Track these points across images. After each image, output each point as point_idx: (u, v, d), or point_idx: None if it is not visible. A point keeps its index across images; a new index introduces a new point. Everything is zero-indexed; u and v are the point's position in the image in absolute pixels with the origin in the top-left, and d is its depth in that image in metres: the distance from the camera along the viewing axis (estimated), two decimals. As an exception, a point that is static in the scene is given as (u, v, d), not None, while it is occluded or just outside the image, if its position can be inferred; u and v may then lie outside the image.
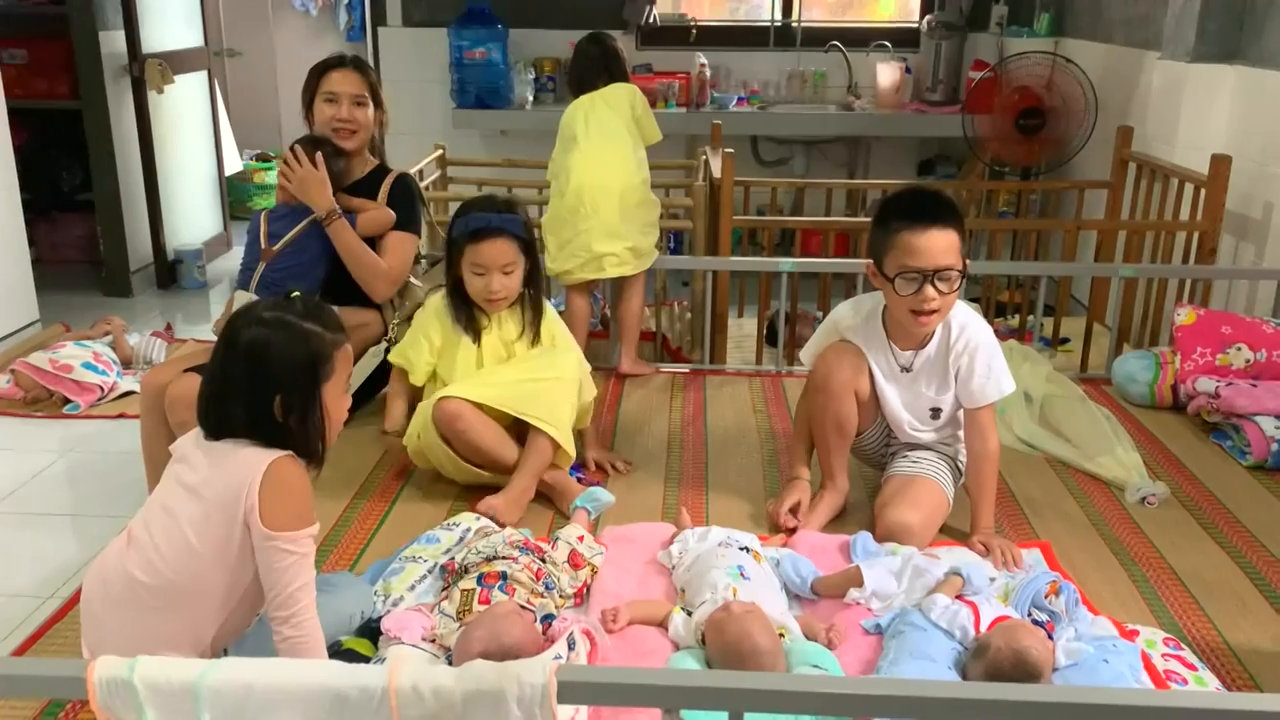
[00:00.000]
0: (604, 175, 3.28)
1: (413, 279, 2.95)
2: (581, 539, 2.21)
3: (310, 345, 1.69)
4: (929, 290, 2.23)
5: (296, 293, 1.79)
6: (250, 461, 1.64)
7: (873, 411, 2.48)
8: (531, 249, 2.56)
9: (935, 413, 2.44)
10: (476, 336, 2.59)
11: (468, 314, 2.58)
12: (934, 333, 2.37)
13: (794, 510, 2.47)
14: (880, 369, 2.43)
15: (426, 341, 2.60)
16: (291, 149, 2.79)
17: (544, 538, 2.27)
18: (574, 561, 2.13)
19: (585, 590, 2.13)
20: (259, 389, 1.66)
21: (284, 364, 1.67)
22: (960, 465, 2.49)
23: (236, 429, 1.68)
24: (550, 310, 2.69)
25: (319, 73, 2.84)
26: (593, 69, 3.41)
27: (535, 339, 2.62)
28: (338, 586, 1.93)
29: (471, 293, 2.54)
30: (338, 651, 1.84)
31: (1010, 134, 4.49)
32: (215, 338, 2.77)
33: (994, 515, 2.40)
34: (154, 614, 1.65)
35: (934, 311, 2.27)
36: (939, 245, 2.22)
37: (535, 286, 2.62)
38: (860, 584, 2.07)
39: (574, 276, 3.33)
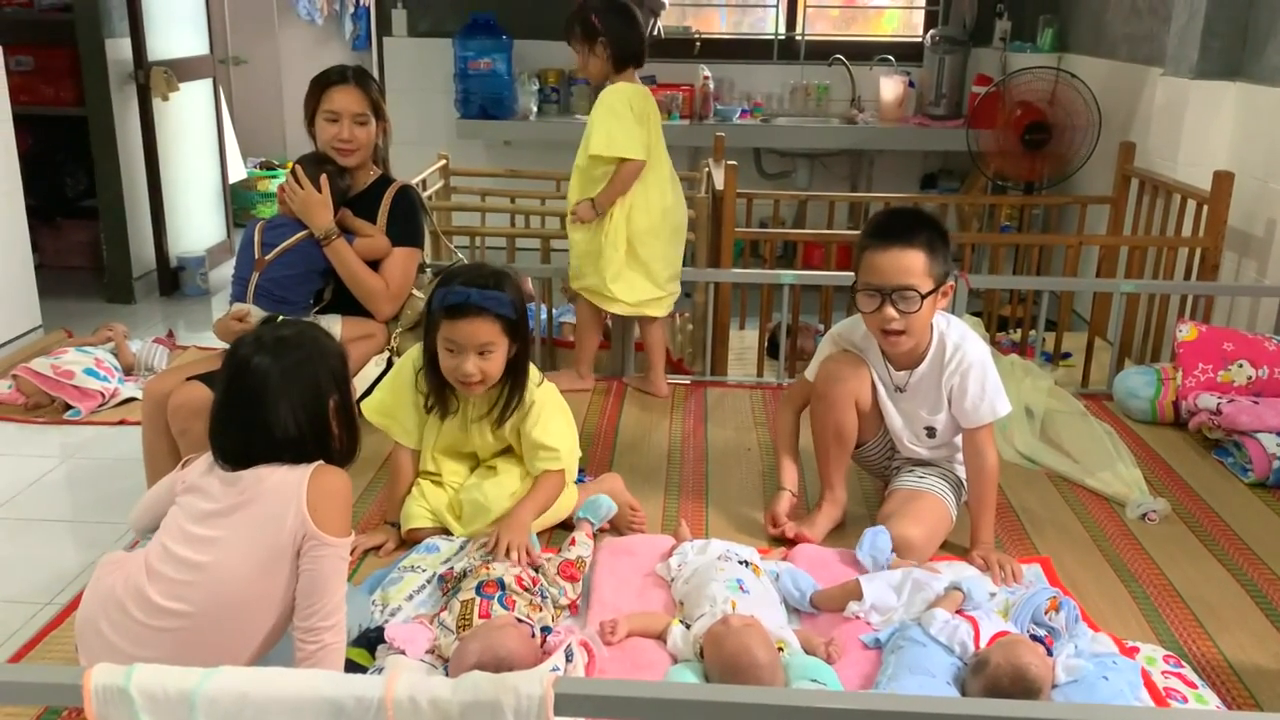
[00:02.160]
0: (677, 215, 3.22)
1: (416, 291, 2.95)
2: (574, 542, 2.20)
3: (335, 345, 1.77)
4: (888, 310, 2.24)
5: (281, 316, 1.82)
6: (290, 479, 1.65)
7: (876, 424, 2.48)
8: (519, 330, 2.24)
9: (930, 431, 2.44)
10: (443, 417, 2.35)
11: (440, 395, 2.32)
12: (928, 352, 2.36)
13: (774, 520, 2.47)
14: (880, 384, 2.44)
15: (411, 400, 2.35)
16: (294, 169, 2.79)
17: (548, 549, 2.28)
18: (566, 573, 2.11)
19: (580, 602, 2.13)
20: (311, 397, 1.69)
21: (326, 367, 1.72)
22: (964, 481, 2.48)
23: (276, 450, 1.67)
24: (538, 398, 2.31)
25: (320, 88, 2.83)
26: (636, 37, 3.05)
27: (499, 423, 2.32)
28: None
29: (443, 369, 2.24)
30: (335, 661, 1.84)
31: (1015, 149, 4.50)
32: (216, 341, 2.80)
33: (994, 530, 2.39)
34: (186, 649, 1.60)
35: (900, 332, 2.27)
36: (898, 264, 2.22)
37: (518, 371, 2.28)
38: (859, 597, 2.06)
39: (602, 304, 3.24)
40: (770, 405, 3.31)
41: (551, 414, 2.34)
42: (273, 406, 1.67)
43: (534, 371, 2.34)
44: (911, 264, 2.22)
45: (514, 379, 2.28)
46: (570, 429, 2.39)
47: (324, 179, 2.74)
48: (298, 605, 1.65)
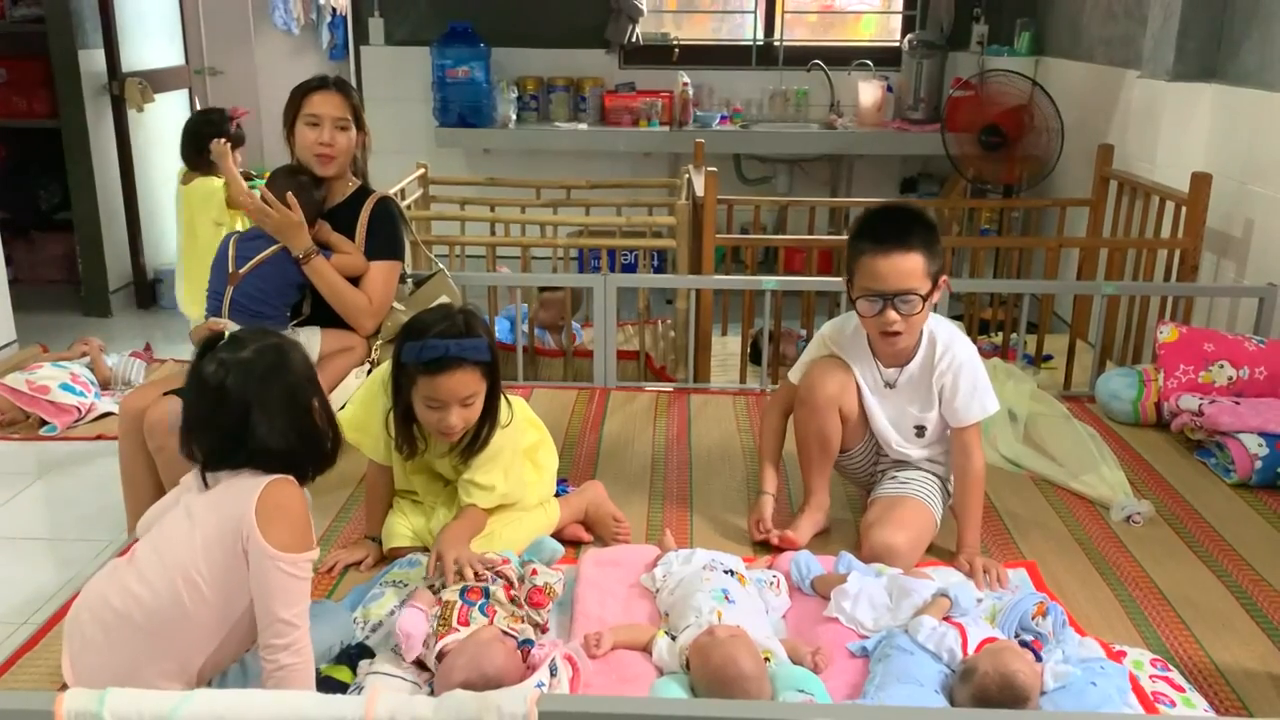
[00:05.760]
0: None
1: (396, 304, 2.93)
2: (535, 572, 2.11)
3: (297, 347, 1.77)
4: (890, 313, 2.25)
5: (292, 320, 1.83)
6: (247, 486, 1.65)
7: (861, 430, 2.47)
8: (494, 370, 2.17)
9: (920, 430, 2.44)
10: (409, 457, 2.29)
11: (408, 438, 2.23)
12: (917, 350, 2.37)
13: (759, 525, 2.46)
14: (866, 383, 2.43)
15: (382, 417, 2.24)
16: (271, 178, 2.77)
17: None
18: (534, 600, 2.04)
19: (550, 623, 2.09)
20: (294, 408, 1.70)
21: (298, 372, 1.72)
22: (949, 486, 2.48)
23: (262, 456, 1.68)
24: (491, 442, 2.22)
25: (301, 94, 2.81)
26: None
27: (464, 459, 2.24)
28: (316, 616, 1.89)
29: (424, 423, 2.17)
30: (317, 679, 1.81)
31: (976, 151, 4.54)
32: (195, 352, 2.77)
33: (980, 535, 2.38)
34: (145, 636, 1.65)
35: (899, 333, 2.28)
36: (899, 269, 2.23)
37: (490, 410, 2.19)
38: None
39: None
40: (753, 411, 3.30)
41: (498, 459, 2.25)
42: (260, 425, 1.67)
43: (504, 411, 2.24)
44: (912, 267, 2.23)
45: (485, 419, 2.19)
46: (513, 471, 2.29)
47: (290, 196, 2.72)
48: (256, 618, 1.64)
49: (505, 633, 1.89)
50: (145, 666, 1.63)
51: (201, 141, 3.51)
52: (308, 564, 1.66)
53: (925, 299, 2.25)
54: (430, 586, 2.06)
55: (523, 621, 1.95)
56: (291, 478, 1.70)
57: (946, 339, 2.36)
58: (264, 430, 1.66)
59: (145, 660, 1.64)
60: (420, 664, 1.89)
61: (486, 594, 1.95)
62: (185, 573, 1.63)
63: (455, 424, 2.13)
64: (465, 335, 2.10)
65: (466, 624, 1.88)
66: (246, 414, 1.66)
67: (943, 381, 2.35)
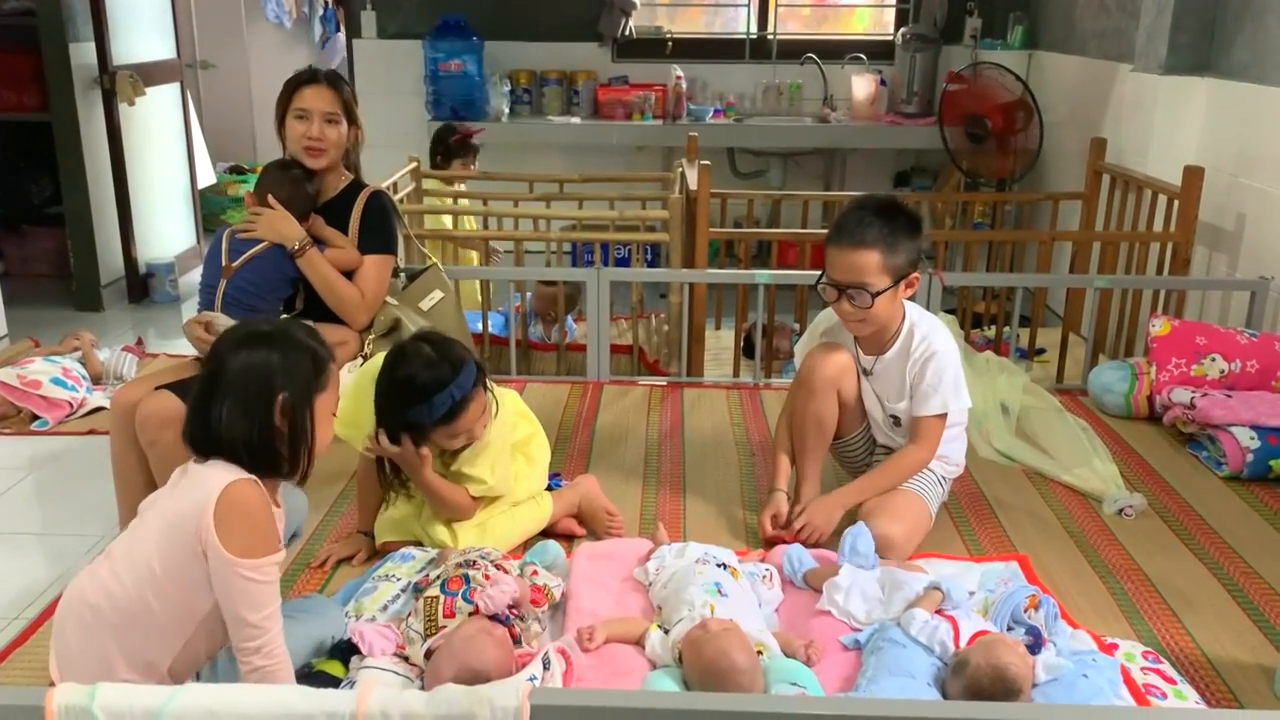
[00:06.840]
0: None
1: (389, 298, 2.92)
2: (536, 573, 2.12)
3: (310, 353, 1.73)
4: (844, 304, 2.30)
5: (285, 315, 1.80)
6: (208, 485, 1.62)
7: (858, 416, 2.49)
8: (483, 372, 2.23)
9: (895, 420, 2.45)
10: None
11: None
12: (895, 340, 2.39)
13: (775, 520, 2.46)
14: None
15: (372, 410, 2.23)
16: (263, 172, 2.76)
17: (517, 554, 2.26)
18: (531, 599, 2.03)
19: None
20: (259, 394, 1.67)
21: (288, 369, 1.69)
22: (943, 479, 2.48)
23: (224, 443, 1.66)
24: (488, 431, 2.26)
25: (291, 88, 2.80)
26: None
27: (454, 454, 2.28)
28: (309, 612, 1.90)
29: (449, 447, 2.25)
30: (309, 674, 1.81)
31: (964, 144, 4.55)
32: (186, 348, 2.76)
33: (852, 502, 2.40)
34: (114, 631, 1.64)
35: (859, 320, 2.33)
36: (850, 263, 2.28)
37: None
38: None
39: None
40: (746, 405, 3.30)
41: (486, 451, 2.27)
42: (219, 401, 1.66)
43: (490, 402, 2.25)
44: (865, 263, 2.26)
45: None
46: (499, 465, 2.30)
47: (269, 195, 2.73)
48: (225, 620, 1.63)
49: (500, 621, 1.88)
50: (116, 664, 1.63)
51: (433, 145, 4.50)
52: (272, 568, 1.63)
53: (879, 295, 2.27)
54: (420, 581, 2.06)
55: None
56: (254, 478, 1.66)
57: (926, 331, 2.38)
58: (221, 413, 1.65)
59: (115, 657, 1.62)
60: (404, 657, 1.89)
61: (467, 580, 1.94)
62: (148, 567, 1.62)
63: (479, 433, 2.22)
64: (455, 371, 2.12)
65: (452, 615, 1.87)
66: (216, 391, 1.67)
67: (914, 370, 2.38)
